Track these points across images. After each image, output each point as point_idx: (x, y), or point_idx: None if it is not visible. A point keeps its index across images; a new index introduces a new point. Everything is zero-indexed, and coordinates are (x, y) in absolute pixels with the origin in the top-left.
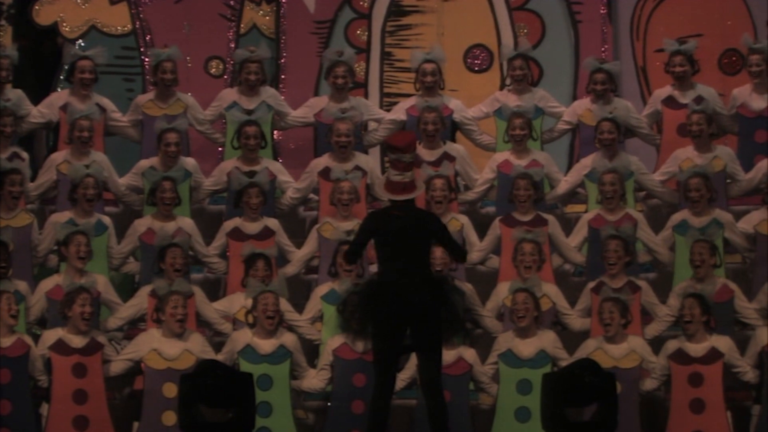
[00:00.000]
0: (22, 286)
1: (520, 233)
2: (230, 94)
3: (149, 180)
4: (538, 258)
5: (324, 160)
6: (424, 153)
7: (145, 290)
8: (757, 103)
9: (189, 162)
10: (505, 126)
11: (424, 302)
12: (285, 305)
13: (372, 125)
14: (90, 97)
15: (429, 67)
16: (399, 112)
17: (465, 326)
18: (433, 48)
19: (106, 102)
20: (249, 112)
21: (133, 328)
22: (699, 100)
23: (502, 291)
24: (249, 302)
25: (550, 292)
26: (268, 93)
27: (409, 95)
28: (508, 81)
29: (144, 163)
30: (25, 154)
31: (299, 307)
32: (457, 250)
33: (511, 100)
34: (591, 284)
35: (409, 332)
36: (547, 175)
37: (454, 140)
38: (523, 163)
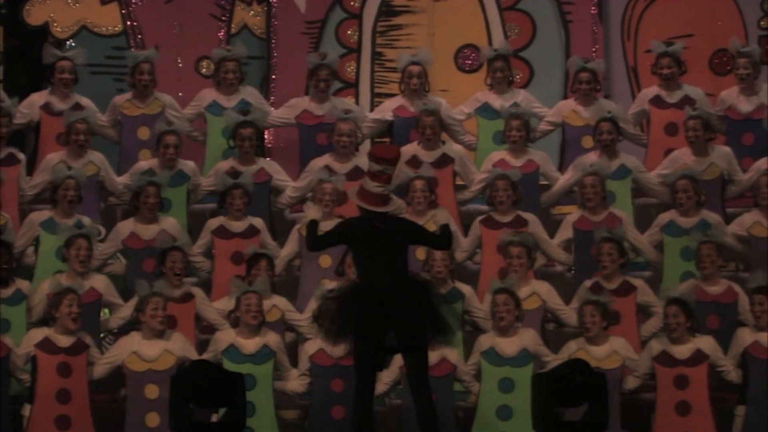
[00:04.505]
0: (24, 285)
1: (507, 236)
2: (209, 93)
3: (134, 183)
4: (526, 260)
5: (324, 160)
6: (423, 154)
7: None
8: (745, 106)
9: (188, 165)
10: (486, 125)
11: (406, 304)
12: (285, 305)
13: None
14: (70, 97)
15: (415, 69)
16: (384, 112)
17: (448, 327)
18: (420, 50)
19: (87, 102)
20: (244, 113)
21: (132, 329)
22: (686, 100)
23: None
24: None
25: (541, 290)
26: (248, 92)
27: None
28: (488, 81)
29: (143, 165)
30: (21, 155)
31: None
32: (438, 238)
33: (492, 99)
34: (587, 283)
35: (392, 334)
36: (544, 175)
37: None
38: (519, 163)
